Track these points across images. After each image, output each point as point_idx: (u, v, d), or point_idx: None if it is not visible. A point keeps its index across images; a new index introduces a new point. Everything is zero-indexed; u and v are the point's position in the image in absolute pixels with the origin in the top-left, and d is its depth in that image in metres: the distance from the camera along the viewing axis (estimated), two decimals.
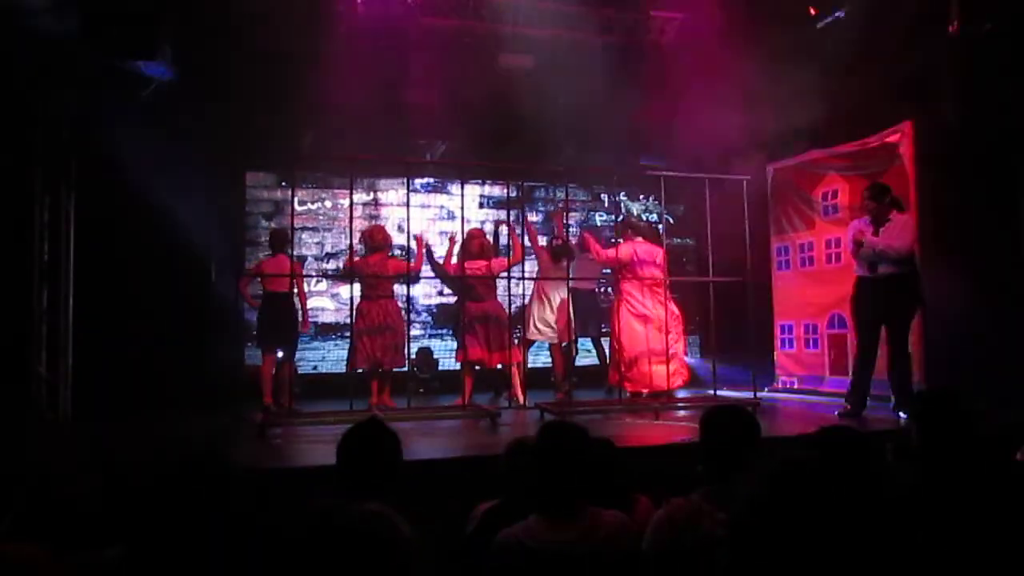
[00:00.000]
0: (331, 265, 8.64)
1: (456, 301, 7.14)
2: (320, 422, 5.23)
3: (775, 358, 7.79)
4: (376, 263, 6.49)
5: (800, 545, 0.85)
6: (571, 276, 6.47)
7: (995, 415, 5.54)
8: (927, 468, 2.19)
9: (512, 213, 7.08)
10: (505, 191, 6.39)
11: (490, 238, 7.26)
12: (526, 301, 7.47)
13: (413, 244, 6.72)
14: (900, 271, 5.31)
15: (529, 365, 7.27)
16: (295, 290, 6.65)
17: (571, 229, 7.84)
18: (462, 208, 6.24)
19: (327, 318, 8.57)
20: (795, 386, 7.56)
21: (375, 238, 6.59)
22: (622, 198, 9.68)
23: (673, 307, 6.75)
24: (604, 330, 7.51)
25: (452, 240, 6.87)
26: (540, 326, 7.15)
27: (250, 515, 2.05)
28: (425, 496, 2.56)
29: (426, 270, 7.15)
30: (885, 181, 6.07)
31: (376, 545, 0.74)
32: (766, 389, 7.38)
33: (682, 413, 5.94)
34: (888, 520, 0.89)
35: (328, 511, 0.77)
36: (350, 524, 0.74)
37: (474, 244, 6.57)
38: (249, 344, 8.13)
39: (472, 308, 6.47)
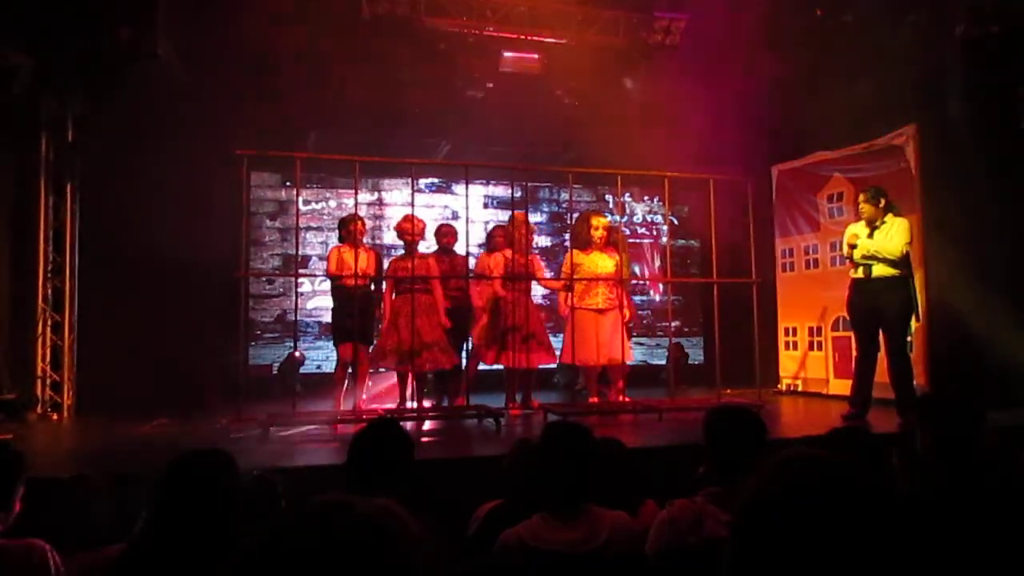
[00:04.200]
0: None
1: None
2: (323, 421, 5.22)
3: (779, 360, 7.78)
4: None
5: (804, 545, 0.85)
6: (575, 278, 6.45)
7: (999, 418, 5.54)
8: (935, 472, 2.18)
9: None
10: (509, 191, 6.37)
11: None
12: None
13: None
14: (893, 274, 5.32)
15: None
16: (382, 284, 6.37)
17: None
18: (467, 208, 6.24)
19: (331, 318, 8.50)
20: (799, 388, 7.54)
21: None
22: (627, 199, 9.67)
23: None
24: None
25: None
26: None
27: (253, 513, 2.05)
28: (428, 496, 2.56)
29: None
30: (890, 183, 6.05)
31: (383, 538, 0.73)
32: (770, 391, 7.36)
33: (685, 414, 5.92)
34: (896, 523, 0.88)
35: (333, 504, 0.76)
36: (357, 516, 0.74)
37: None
38: (253, 344, 8.12)
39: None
